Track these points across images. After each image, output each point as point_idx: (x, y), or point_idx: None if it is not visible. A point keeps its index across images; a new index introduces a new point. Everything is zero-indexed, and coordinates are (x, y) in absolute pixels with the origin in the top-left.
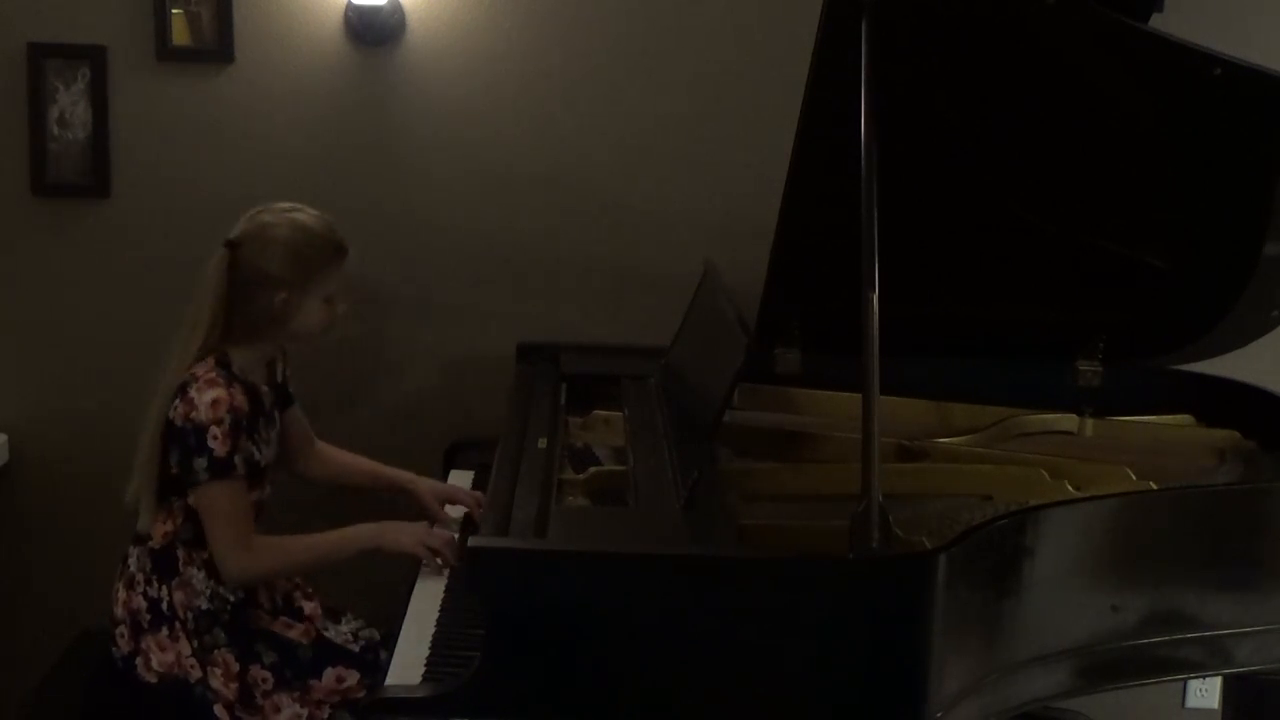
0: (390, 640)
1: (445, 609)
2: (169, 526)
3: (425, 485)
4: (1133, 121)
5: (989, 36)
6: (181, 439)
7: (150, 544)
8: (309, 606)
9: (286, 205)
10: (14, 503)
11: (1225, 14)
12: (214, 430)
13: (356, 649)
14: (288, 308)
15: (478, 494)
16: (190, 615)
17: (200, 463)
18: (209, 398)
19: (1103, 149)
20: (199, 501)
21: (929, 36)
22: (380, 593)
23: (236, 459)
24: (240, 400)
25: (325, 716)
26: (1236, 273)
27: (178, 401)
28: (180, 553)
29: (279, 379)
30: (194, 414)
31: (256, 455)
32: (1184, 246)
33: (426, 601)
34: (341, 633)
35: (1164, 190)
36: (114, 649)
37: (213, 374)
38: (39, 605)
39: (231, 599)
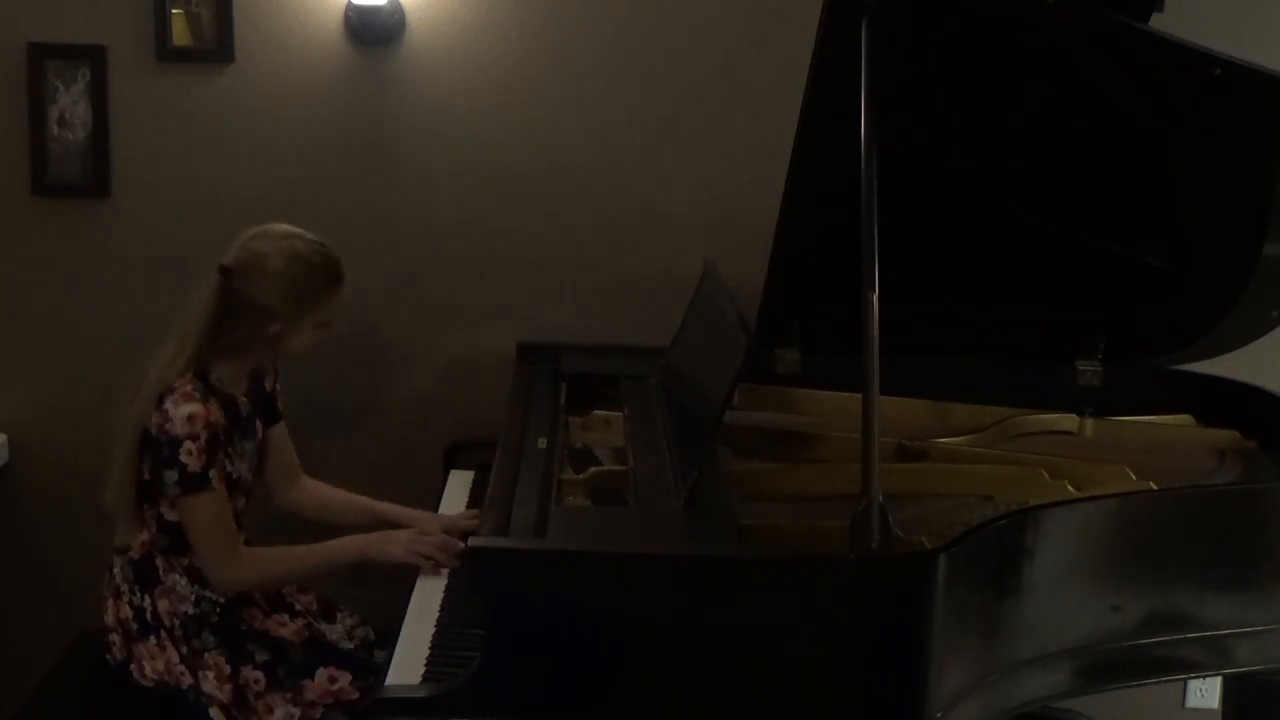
0: (386, 639)
1: (445, 609)
2: (145, 536)
3: (423, 520)
4: (1133, 121)
5: (989, 36)
6: (155, 449)
7: (130, 554)
8: (304, 600)
9: (282, 231)
10: (14, 503)
11: (1225, 14)
12: (188, 445)
13: (350, 647)
14: (280, 336)
15: (474, 512)
16: (177, 622)
17: (171, 475)
18: (185, 412)
19: (1103, 149)
20: (180, 514)
21: (929, 36)
22: (378, 590)
23: (211, 473)
24: (216, 415)
25: (318, 717)
26: (1236, 273)
27: (154, 413)
28: (160, 561)
29: (266, 389)
30: (168, 426)
31: (229, 468)
32: (1184, 246)
33: (426, 601)
34: (336, 630)
35: (1164, 190)
36: (109, 656)
37: (189, 387)
38: (39, 605)
39: (221, 600)
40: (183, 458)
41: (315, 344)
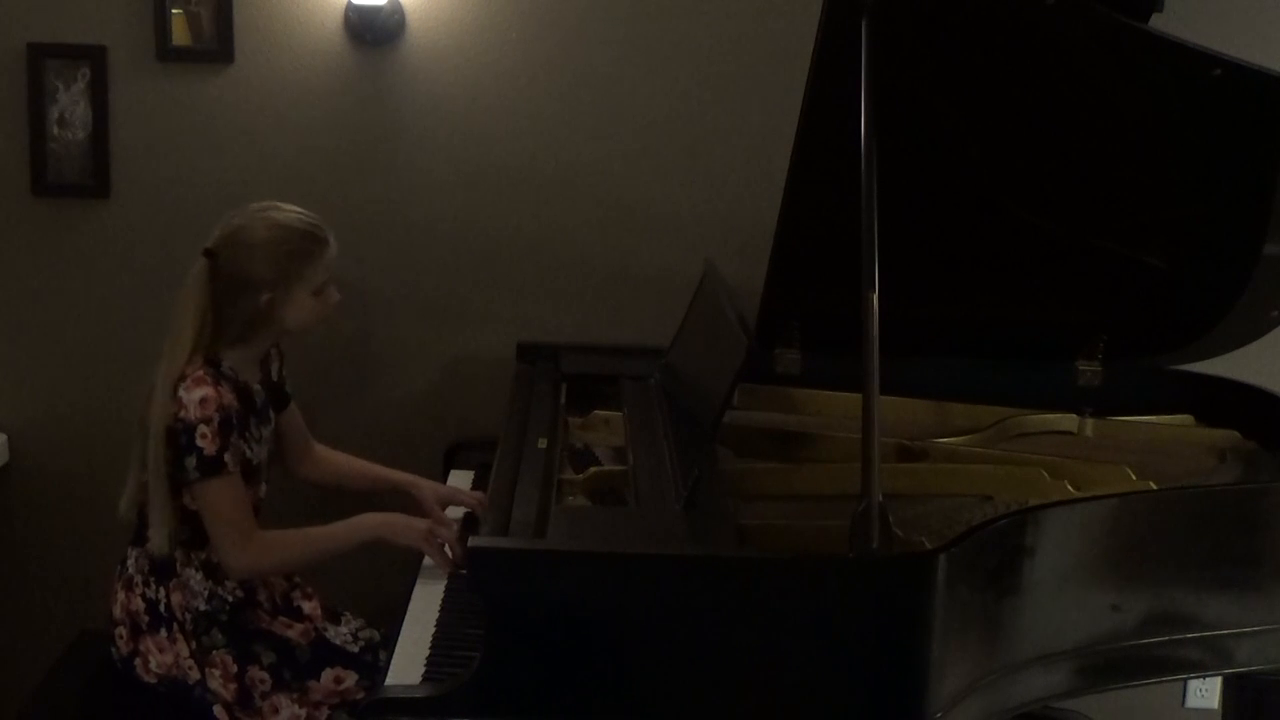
0: (390, 641)
1: (445, 609)
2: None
3: (427, 487)
4: (1133, 121)
5: (989, 36)
6: (173, 439)
7: (147, 545)
8: (308, 606)
9: (260, 205)
10: (14, 503)
11: (1225, 14)
12: (202, 429)
13: (356, 650)
14: (274, 306)
15: (479, 494)
16: (188, 617)
17: (190, 461)
18: (197, 396)
19: (1102, 149)
20: (197, 501)
21: (929, 36)
22: (380, 592)
23: (227, 457)
24: (229, 399)
25: (323, 718)
26: (1236, 273)
27: (170, 402)
28: (178, 554)
29: (275, 378)
30: (183, 413)
31: (248, 453)
32: (1184, 246)
33: (426, 601)
34: (341, 633)
35: (1164, 190)
36: (113, 650)
37: (200, 372)
38: (39, 605)
39: (230, 599)
40: (199, 442)
41: (320, 319)
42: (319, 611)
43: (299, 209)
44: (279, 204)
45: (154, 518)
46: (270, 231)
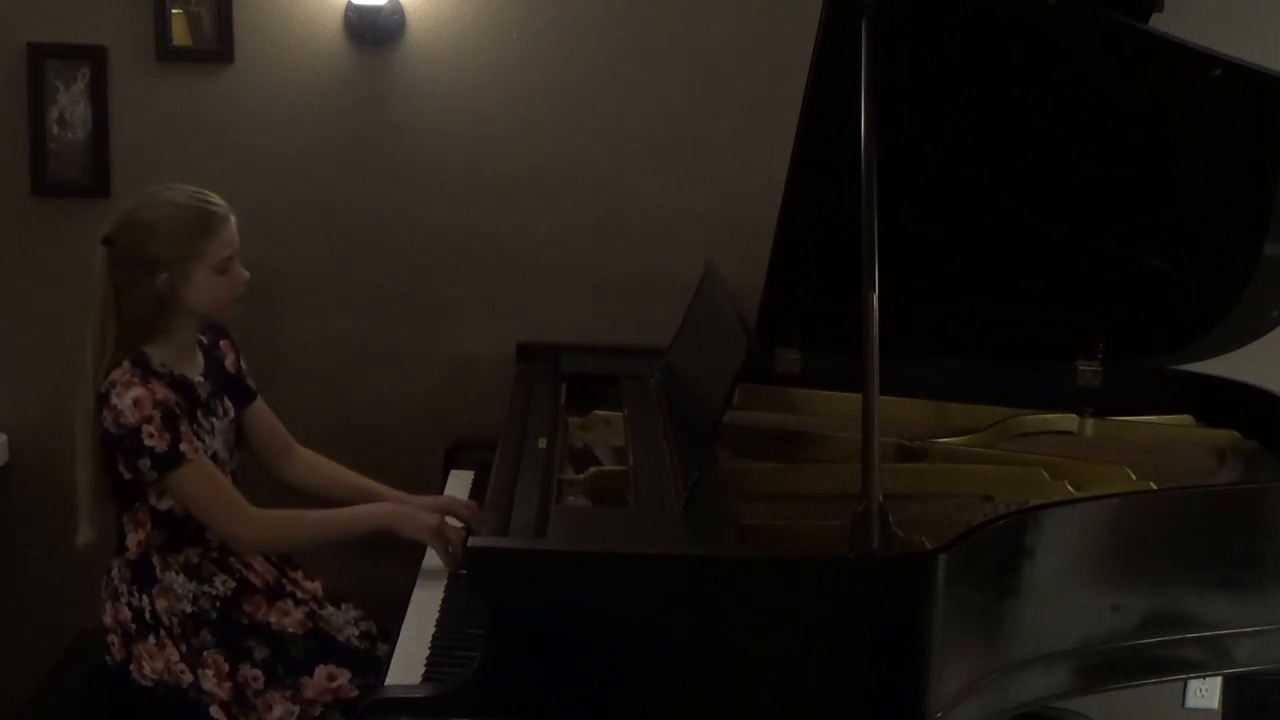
0: (390, 639)
1: (445, 609)
2: (140, 535)
3: (420, 503)
4: (1133, 122)
5: (989, 37)
6: (120, 445)
7: (127, 554)
8: (310, 587)
9: (155, 188)
10: (14, 503)
11: (1225, 14)
12: (146, 429)
13: (354, 637)
14: (174, 287)
15: (473, 504)
16: (175, 621)
17: (144, 463)
18: (129, 399)
19: (1102, 149)
20: (173, 496)
21: (929, 37)
22: (378, 583)
23: (183, 446)
24: (163, 393)
25: (317, 714)
26: (1236, 273)
27: (105, 411)
28: (156, 560)
29: (233, 370)
30: (122, 418)
31: (201, 446)
32: (1184, 246)
33: (426, 601)
34: (340, 617)
35: (1164, 190)
36: (108, 658)
37: (128, 375)
38: (39, 605)
39: (221, 593)
40: (147, 442)
41: (231, 298)
42: (320, 592)
43: (195, 188)
44: (173, 185)
45: (82, 512)
46: (162, 210)
